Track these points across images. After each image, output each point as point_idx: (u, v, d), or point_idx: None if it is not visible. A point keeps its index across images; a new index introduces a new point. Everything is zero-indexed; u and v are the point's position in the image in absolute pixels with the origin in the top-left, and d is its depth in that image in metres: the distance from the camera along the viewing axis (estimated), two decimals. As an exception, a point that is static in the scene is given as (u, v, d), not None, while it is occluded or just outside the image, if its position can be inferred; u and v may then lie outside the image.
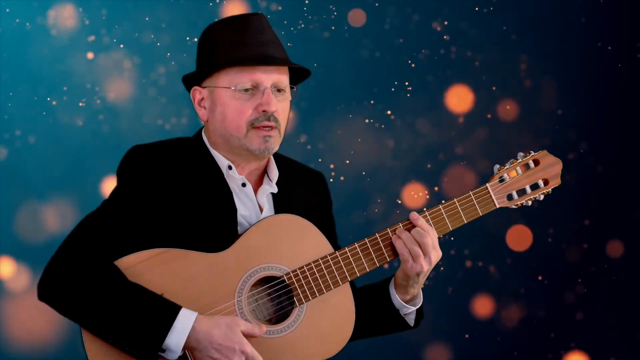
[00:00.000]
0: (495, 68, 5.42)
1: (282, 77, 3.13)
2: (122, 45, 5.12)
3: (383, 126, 5.37)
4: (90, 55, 5.10)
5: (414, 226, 3.13)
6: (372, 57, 5.38)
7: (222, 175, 3.14)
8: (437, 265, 5.31)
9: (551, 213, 5.44)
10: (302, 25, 5.31)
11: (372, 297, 3.22)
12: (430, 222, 3.16)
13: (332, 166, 5.31)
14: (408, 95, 5.40)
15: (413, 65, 5.40)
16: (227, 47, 3.12)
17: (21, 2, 5.01)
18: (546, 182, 3.26)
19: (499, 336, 5.46)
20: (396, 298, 3.19)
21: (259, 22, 3.15)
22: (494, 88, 5.44)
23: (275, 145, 3.11)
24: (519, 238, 5.44)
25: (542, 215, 5.44)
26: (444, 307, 5.42)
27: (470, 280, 5.44)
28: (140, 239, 3.03)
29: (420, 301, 3.23)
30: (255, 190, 3.17)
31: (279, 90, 3.12)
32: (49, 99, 5.07)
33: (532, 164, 3.24)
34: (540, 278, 5.47)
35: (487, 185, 3.20)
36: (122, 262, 3.00)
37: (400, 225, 3.14)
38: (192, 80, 3.19)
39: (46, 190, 5.05)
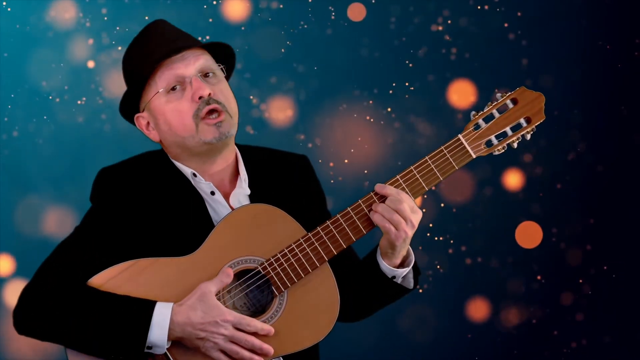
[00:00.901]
0: (496, 65, 5.40)
1: (203, 61, 3.10)
2: (120, 48, 5.14)
3: (382, 122, 5.37)
4: (91, 53, 5.13)
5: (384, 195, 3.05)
6: (372, 54, 5.37)
7: (191, 185, 3.12)
8: (434, 265, 5.35)
9: (552, 213, 5.42)
10: (305, 26, 5.31)
11: (363, 270, 3.16)
12: (404, 185, 3.05)
13: (331, 164, 5.30)
14: (407, 96, 5.39)
15: (411, 65, 5.39)
16: (139, 63, 3.11)
17: (22, 1, 5.05)
18: (529, 120, 3.05)
19: (500, 337, 5.44)
20: (385, 266, 3.10)
21: (159, 26, 3.15)
22: (496, 90, 5.42)
23: (229, 128, 3.07)
24: (528, 235, 5.41)
25: (544, 215, 5.43)
26: (446, 307, 5.41)
27: (470, 280, 5.41)
28: (116, 261, 3.00)
29: (412, 259, 3.13)
30: (229, 195, 3.14)
31: (206, 75, 3.10)
32: (50, 97, 5.10)
33: (510, 104, 3.06)
34: (539, 277, 5.44)
35: (459, 135, 3.05)
36: (92, 282, 2.98)
37: (372, 195, 3.05)
38: (131, 110, 3.19)
39: (46, 189, 5.07)
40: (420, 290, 5.23)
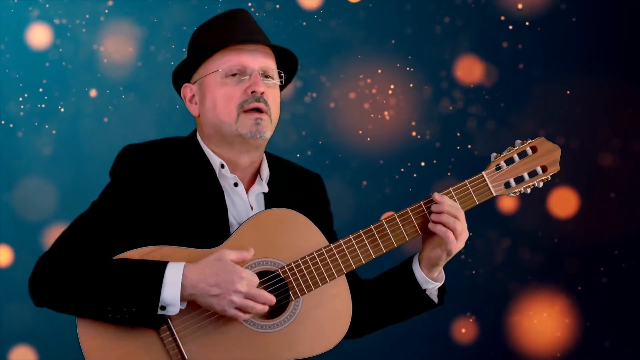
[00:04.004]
0: (499, 45, 5.44)
1: (268, 62, 3.17)
2: (130, 49, 5.16)
3: (381, 118, 5.38)
4: (98, 47, 5.14)
5: (419, 213, 3.15)
6: (372, 50, 5.39)
7: (215, 174, 3.15)
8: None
9: (549, 218, 5.45)
10: (304, 23, 5.33)
11: (394, 278, 3.23)
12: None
13: (327, 162, 5.32)
14: (410, 85, 5.41)
15: (411, 69, 5.40)
16: (212, 37, 3.17)
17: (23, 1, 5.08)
18: (545, 169, 3.23)
19: (501, 339, 5.46)
20: (421, 275, 3.18)
21: (243, 15, 3.21)
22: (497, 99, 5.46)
23: (266, 129, 3.12)
24: (562, 203, 5.43)
25: (541, 220, 5.45)
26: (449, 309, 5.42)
27: (469, 283, 5.43)
28: (131, 238, 3.05)
29: (442, 277, 3.22)
30: (247, 190, 3.19)
31: (266, 77, 3.16)
32: (56, 93, 5.12)
33: (529, 151, 3.21)
34: (529, 277, 5.47)
35: (484, 173, 3.18)
36: None
37: (396, 215, 3.14)
38: (182, 79, 3.23)
39: (45, 180, 5.09)
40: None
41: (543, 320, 5.44)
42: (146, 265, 2.96)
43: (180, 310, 2.97)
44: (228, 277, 2.94)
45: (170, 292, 2.93)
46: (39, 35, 5.09)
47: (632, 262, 5.42)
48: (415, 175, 5.36)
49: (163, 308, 2.94)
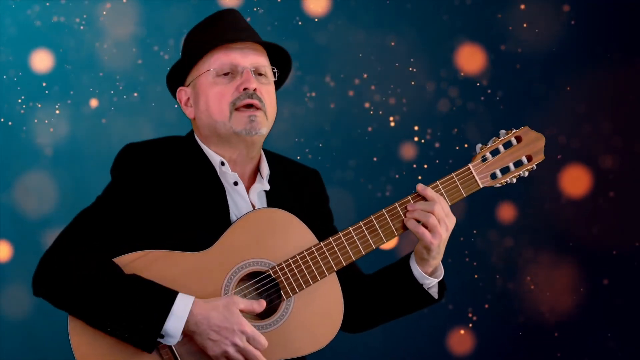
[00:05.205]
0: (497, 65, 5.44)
1: (260, 60, 3.17)
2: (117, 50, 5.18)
3: (381, 118, 5.38)
4: (100, 45, 5.15)
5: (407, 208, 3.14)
6: (370, 52, 5.39)
7: (215, 172, 3.16)
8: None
9: (548, 219, 5.44)
10: (300, 22, 5.33)
11: (392, 274, 3.22)
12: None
13: (327, 165, 5.31)
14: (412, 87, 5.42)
15: (414, 71, 5.40)
16: (202, 39, 3.17)
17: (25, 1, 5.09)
18: (530, 158, 3.22)
19: (503, 340, 5.46)
20: (418, 271, 3.17)
21: (231, 15, 3.21)
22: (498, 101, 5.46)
23: (261, 126, 3.13)
24: (575, 181, 5.41)
25: (540, 224, 5.45)
26: (449, 310, 5.44)
27: (470, 284, 5.42)
28: (133, 236, 3.06)
29: (441, 273, 3.21)
30: (248, 189, 3.19)
31: (260, 74, 3.15)
32: (57, 92, 5.13)
33: (514, 141, 3.21)
34: (528, 279, 5.48)
35: (470, 165, 3.19)
36: None
37: (384, 212, 3.14)
38: (176, 82, 3.25)
39: (45, 175, 5.10)
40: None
41: (544, 320, 5.43)
42: (156, 290, 2.97)
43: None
44: (230, 327, 2.96)
45: (174, 325, 2.95)
46: (39, 34, 5.09)
47: (634, 262, 5.41)
48: (419, 177, 5.35)
49: (161, 336, 2.96)
